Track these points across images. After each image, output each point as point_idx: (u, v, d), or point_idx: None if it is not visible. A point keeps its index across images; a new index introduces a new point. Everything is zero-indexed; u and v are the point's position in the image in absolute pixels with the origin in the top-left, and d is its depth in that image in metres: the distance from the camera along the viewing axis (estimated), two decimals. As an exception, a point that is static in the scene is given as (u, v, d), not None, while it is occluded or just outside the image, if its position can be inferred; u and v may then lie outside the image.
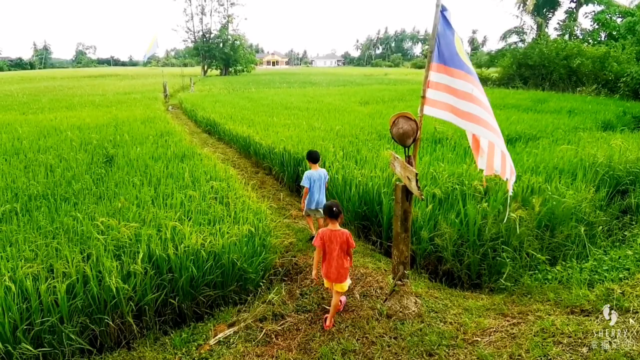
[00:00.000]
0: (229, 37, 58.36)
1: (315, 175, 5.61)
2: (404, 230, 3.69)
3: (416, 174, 3.30)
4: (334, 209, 3.78)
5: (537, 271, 4.70)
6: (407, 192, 3.61)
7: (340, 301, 4.13)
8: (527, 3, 34.76)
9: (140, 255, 3.99)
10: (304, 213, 5.94)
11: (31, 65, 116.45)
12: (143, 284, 3.92)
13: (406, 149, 3.62)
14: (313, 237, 5.38)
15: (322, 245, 3.84)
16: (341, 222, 3.93)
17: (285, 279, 4.87)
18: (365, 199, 5.99)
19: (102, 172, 6.90)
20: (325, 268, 3.87)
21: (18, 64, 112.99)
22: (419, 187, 3.31)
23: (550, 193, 5.48)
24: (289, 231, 6.00)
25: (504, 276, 4.60)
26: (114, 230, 4.44)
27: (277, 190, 8.40)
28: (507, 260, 4.65)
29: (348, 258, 3.87)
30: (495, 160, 3.81)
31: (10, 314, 3.42)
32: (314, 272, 4.03)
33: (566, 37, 33.06)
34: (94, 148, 8.64)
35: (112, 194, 5.81)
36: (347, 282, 3.91)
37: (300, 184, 5.73)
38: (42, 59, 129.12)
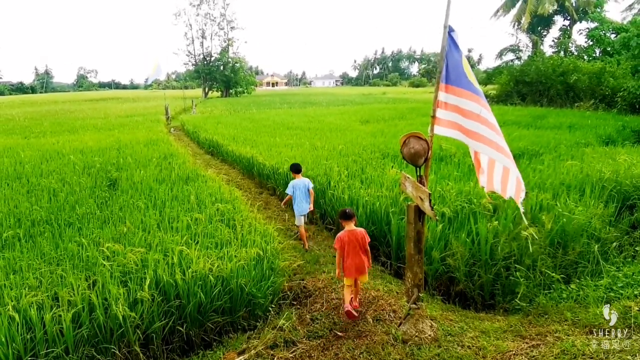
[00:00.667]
0: (229, 59, 59.18)
1: (299, 184, 6.21)
2: (418, 252, 3.61)
3: (429, 194, 3.25)
4: (347, 211, 4.32)
5: (552, 290, 4.60)
6: (419, 213, 3.55)
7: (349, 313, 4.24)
8: (522, 21, 35.38)
9: (147, 282, 3.91)
10: (296, 223, 6.45)
11: (32, 90, 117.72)
12: (150, 311, 3.82)
13: (417, 168, 3.59)
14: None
15: (342, 246, 4.23)
16: (355, 222, 4.38)
17: (295, 303, 4.76)
18: (373, 219, 5.92)
19: (106, 196, 6.85)
20: (347, 265, 4.22)
21: (19, 88, 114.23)
22: (432, 207, 3.25)
23: (560, 210, 5.42)
24: (296, 253, 5.90)
25: (519, 296, 4.50)
26: (120, 255, 4.36)
27: (282, 210, 8.32)
28: (521, 280, 4.55)
29: (367, 254, 4.28)
30: (494, 177, 3.78)
31: (14, 344, 3.33)
32: (337, 272, 4.39)
33: (561, 53, 33.51)
34: (97, 171, 8.62)
35: (116, 218, 5.75)
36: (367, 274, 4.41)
37: (285, 192, 6.33)
38: (44, 83, 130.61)
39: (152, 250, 4.54)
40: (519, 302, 4.47)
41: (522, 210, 3.64)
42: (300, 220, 6.34)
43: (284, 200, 6.35)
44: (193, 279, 4.03)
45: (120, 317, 3.60)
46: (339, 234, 4.28)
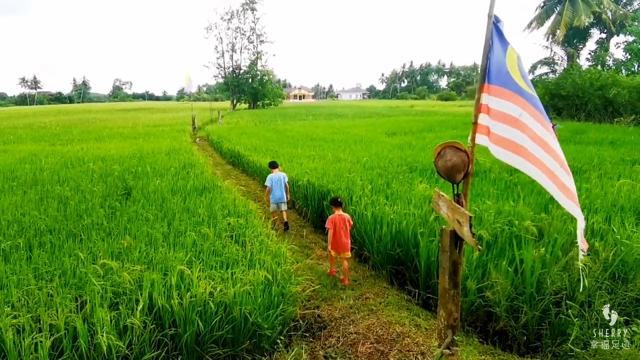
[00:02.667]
0: (258, 72, 59.90)
1: (275, 177, 7.40)
2: (453, 286, 2.99)
3: (470, 217, 2.65)
4: (339, 199, 5.55)
5: (610, 333, 3.86)
6: (456, 239, 2.95)
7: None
8: (557, 34, 34.06)
9: (140, 306, 3.45)
10: (270, 210, 7.49)
11: (70, 100, 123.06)
12: (141, 340, 3.36)
13: (455, 185, 2.99)
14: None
15: (333, 226, 5.29)
16: (344, 208, 5.65)
17: (307, 335, 4.17)
18: (399, 240, 5.28)
19: (116, 206, 6.51)
20: (335, 243, 5.34)
21: (58, 98, 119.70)
22: (473, 234, 2.65)
23: (619, 236, 4.67)
24: (312, 275, 5.32)
25: (571, 339, 3.79)
26: (115, 274, 3.93)
27: (300, 226, 7.81)
28: (575, 320, 3.84)
29: (348, 236, 5.41)
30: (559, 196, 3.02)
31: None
32: (329, 246, 5.44)
33: (599, 67, 32.01)
34: (114, 180, 8.37)
35: (122, 229, 5.37)
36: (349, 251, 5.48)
37: (265, 184, 7.55)
38: (81, 94, 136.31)
39: (151, 269, 4.09)
40: (571, 346, 3.76)
41: (580, 257, 2.97)
42: (273, 207, 7.43)
43: (266, 194, 7.45)
44: (191, 305, 3.54)
45: (105, 347, 3.14)
46: (330, 216, 5.40)
